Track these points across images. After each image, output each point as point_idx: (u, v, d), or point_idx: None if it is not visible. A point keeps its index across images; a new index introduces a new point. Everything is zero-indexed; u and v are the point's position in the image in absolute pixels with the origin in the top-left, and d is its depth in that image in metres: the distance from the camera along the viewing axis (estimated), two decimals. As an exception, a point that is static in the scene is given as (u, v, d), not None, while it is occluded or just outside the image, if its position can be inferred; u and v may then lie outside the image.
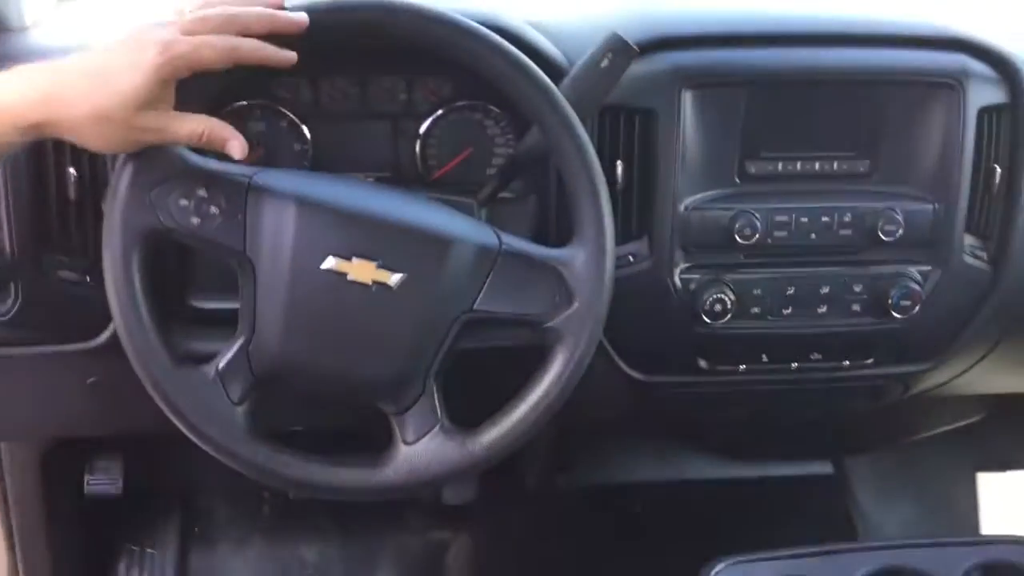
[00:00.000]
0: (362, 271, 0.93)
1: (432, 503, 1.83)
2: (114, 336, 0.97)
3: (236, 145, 0.91)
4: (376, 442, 1.00)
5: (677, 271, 1.17)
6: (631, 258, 1.15)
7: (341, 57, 1.06)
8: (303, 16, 0.91)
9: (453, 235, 0.95)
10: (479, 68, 0.96)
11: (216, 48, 0.87)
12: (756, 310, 1.19)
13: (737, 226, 1.15)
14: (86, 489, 1.56)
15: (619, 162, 1.14)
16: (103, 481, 1.55)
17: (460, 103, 1.16)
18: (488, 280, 0.95)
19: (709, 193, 1.17)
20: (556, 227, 1.14)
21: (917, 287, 1.19)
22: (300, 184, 0.95)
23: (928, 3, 1.35)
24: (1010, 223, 1.22)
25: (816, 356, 1.24)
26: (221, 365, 0.94)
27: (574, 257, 0.96)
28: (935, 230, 1.19)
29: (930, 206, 1.19)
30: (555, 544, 1.87)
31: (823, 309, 1.20)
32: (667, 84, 1.13)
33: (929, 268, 1.21)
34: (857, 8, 1.33)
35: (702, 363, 1.23)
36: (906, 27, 1.23)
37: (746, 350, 1.23)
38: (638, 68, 1.09)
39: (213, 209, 0.92)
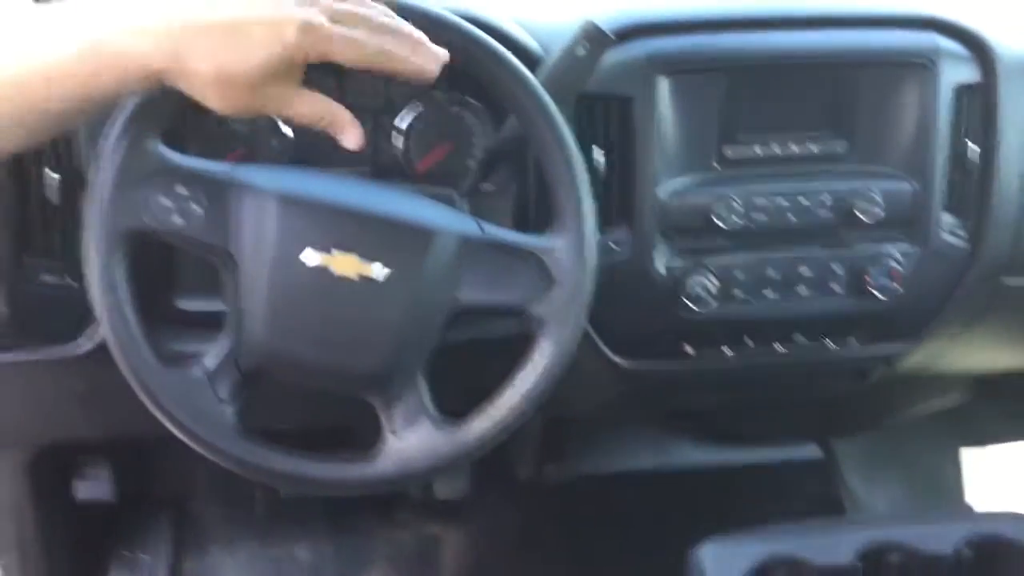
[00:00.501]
0: (345, 264, 0.93)
1: (424, 498, 1.83)
2: (99, 339, 0.97)
3: (353, 135, 0.88)
4: (366, 437, 1.01)
5: (659, 257, 1.17)
6: (612, 245, 1.16)
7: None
8: (444, 53, 0.87)
9: (435, 226, 0.95)
10: (455, 59, 0.96)
11: (364, 51, 0.83)
12: (739, 293, 1.19)
13: (717, 210, 1.15)
14: (76, 495, 1.55)
15: (597, 149, 1.14)
16: (93, 486, 1.55)
17: (439, 96, 1.16)
18: (471, 269, 0.96)
19: (688, 178, 1.17)
20: (537, 217, 1.15)
21: (897, 266, 1.20)
22: (281, 179, 0.95)
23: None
24: (987, 200, 1.23)
25: (799, 337, 1.25)
26: (208, 364, 0.94)
27: (556, 243, 0.97)
28: (913, 209, 1.20)
29: (907, 185, 1.20)
30: (548, 535, 1.87)
31: (805, 291, 1.21)
32: (643, 71, 1.13)
33: (908, 247, 1.22)
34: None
35: (687, 348, 1.24)
36: (878, 8, 1.24)
37: (730, 334, 1.23)
38: (614, 55, 1.10)
39: (194, 207, 0.92)
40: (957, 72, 1.20)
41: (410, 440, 0.97)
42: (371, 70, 0.86)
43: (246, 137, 1.13)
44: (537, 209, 1.15)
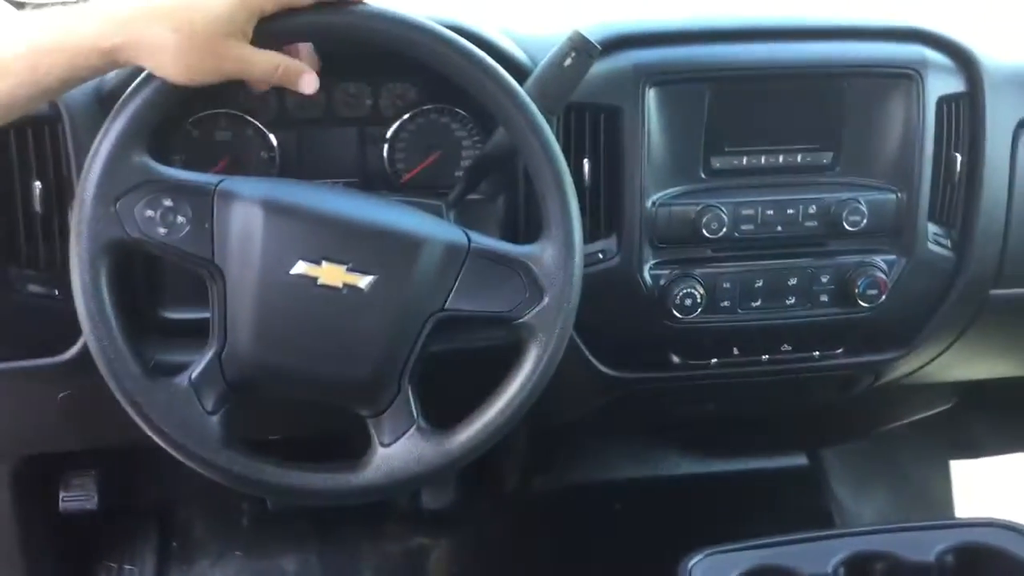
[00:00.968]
0: (332, 274, 0.93)
1: (411, 509, 1.83)
2: (84, 350, 0.96)
3: (308, 80, 0.93)
4: (354, 448, 1.00)
5: (646, 267, 1.18)
6: (600, 255, 1.16)
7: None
8: None
9: (422, 235, 0.95)
10: (443, 70, 0.96)
11: None
12: (726, 303, 1.20)
13: (704, 221, 1.16)
14: (61, 505, 1.54)
15: (585, 160, 1.15)
16: (78, 497, 1.54)
17: (426, 107, 1.17)
18: (459, 279, 0.96)
19: (675, 189, 1.18)
20: (525, 226, 1.15)
21: (883, 276, 1.20)
22: (266, 189, 0.95)
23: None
24: (972, 210, 1.24)
25: (786, 347, 1.25)
26: (194, 375, 0.94)
27: (543, 252, 0.97)
28: (899, 219, 1.21)
29: (893, 195, 1.20)
30: (535, 545, 1.87)
31: (791, 300, 1.21)
32: (631, 81, 1.14)
33: (894, 257, 1.22)
34: (817, 3, 1.35)
35: (674, 358, 1.24)
36: (864, 19, 1.24)
37: (717, 343, 1.24)
38: (602, 66, 1.10)
39: (180, 218, 0.92)
40: (943, 83, 1.20)
41: (396, 450, 0.96)
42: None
43: (232, 149, 1.13)
44: (526, 218, 1.15)
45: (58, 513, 1.55)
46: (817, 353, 1.26)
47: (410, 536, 1.85)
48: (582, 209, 0.99)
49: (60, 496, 1.55)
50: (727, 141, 1.19)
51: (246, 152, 1.14)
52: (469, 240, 0.96)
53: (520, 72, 1.05)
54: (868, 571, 1.09)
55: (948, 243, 1.25)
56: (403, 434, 0.97)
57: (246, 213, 0.92)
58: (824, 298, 1.22)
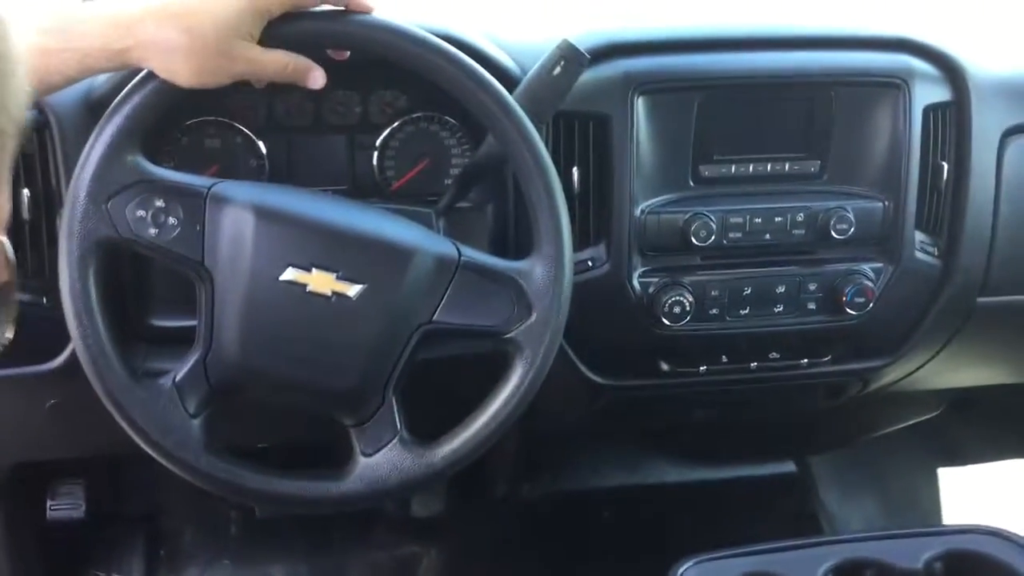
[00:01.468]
0: (321, 282, 0.93)
1: (401, 517, 1.82)
2: (72, 357, 0.96)
3: (317, 75, 0.95)
4: (340, 455, 1.00)
5: (635, 275, 1.18)
6: (590, 263, 1.17)
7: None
8: (371, 5, 0.94)
9: (413, 246, 0.95)
10: (433, 78, 0.96)
11: None
12: (714, 311, 1.20)
13: (692, 228, 1.16)
14: (48, 514, 1.54)
15: (575, 168, 1.15)
16: (65, 505, 1.53)
17: (415, 115, 1.17)
18: (447, 292, 0.96)
19: (664, 197, 1.18)
20: (515, 234, 1.15)
21: (870, 284, 1.21)
22: (259, 194, 0.95)
23: (874, 6, 1.38)
24: (959, 219, 1.24)
25: (775, 355, 1.25)
26: (178, 377, 0.94)
27: (532, 268, 0.97)
28: (886, 227, 1.21)
29: (880, 204, 1.21)
30: (524, 553, 1.87)
31: (779, 308, 1.21)
32: (620, 90, 1.14)
33: (881, 265, 1.23)
34: (805, 13, 1.36)
35: (663, 365, 1.25)
36: (851, 29, 1.25)
37: (706, 351, 1.24)
38: (591, 75, 1.10)
39: (171, 219, 0.92)
40: (929, 92, 1.21)
41: (378, 460, 0.96)
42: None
43: (221, 156, 1.13)
44: (515, 226, 1.15)
45: (45, 522, 1.54)
46: (805, 361, 1.27)
47: (400, 544, 1.84)
48: (571, 217, 0.99)
49: (48, 505, 1.54)
50: (716, 149, 1.19)
51: (235, 159, 1.14)
52: (459, 253, 0.97)
53: (509, 80, 1.05)
54: (857, 578, 1.09)
55: (935, 251, 1.25)
56: (386, 445, 0.97)
57: (238, 217, 0.92)
58: (812, 306, 1.22)
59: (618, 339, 1.22)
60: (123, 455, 0.98)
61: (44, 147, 1.06)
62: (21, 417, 1.23)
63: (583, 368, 1.23)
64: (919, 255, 1.24)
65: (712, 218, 1.17)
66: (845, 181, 1.22)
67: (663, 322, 1.18)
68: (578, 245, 1.13)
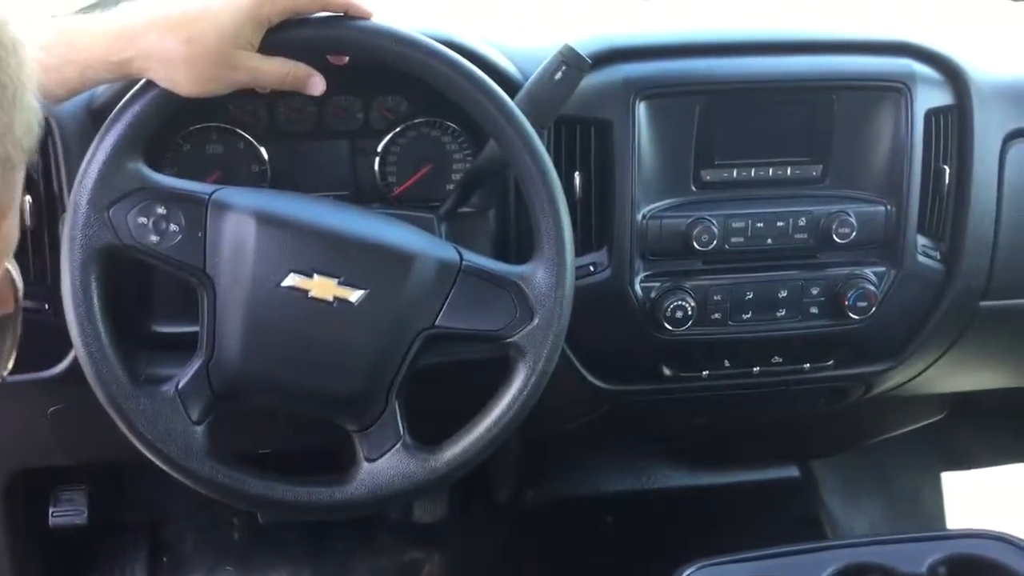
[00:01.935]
0: (323, 288, 0.93)
1: (403, 522, 1.82)
2: (74, 364, 0.96)
3: (316, 82, 0.95)
4: (341, 462, 1.00)
5: (637, 279, 1.18)
6: (592, 268, 1.16)
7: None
8: (371, 11, 0.95)
9: (414, 251, 0.95)
10: (434, 83, 0.97)
11: None
12: (716, 316, 1.20)
13: (695, 233, 1.16)
14: (50, 521, 1.53)
15: (577, 173, 1.15)
16: (68, 512, 1.53)
17: (417, 120, 1.17)
18: (449, 296, 0.96)
19: (666, 201, 1.18)
20: (517, 239, 1.15)
21: (872, 288, 1.21)
22: (260, 201, 0.95)
23: (876, 10, 1.38)
24: (961, 222, 1.24)
25: (777, 359, 1.25)
26: (180, 384, 0.94)
27: (534, 273, 0.97)
28: (888, 231, 1.21)
29: (882, 208, 1.21)
30: (527, 558, 1.86)
31: (782, 313, 1.21)
32: (621, 95, 1.14)
33: (884, 269, 1.23)
34: (806, 17, 1.36)
35: (665, 370, 1.24)
36: (853, 33, 1.25)
37: (708, 356, 1.24)
38: (592, 80, 1.11)
39: (172, 226, 0.92)
40: (931, 96, 1.21)
41: (381, 465, 0.96)
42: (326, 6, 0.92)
43: (223, 162, 1.13)
44: (517, 230, 1.15)
45: (48, 528, 1.54)
46: (807, 365, 1.26)
47: (402, 549, 1.84)
48: (573, 222, 0.99)
49: (50, 511, 1.54)
50: (717, 154, 1.19)
51: (237, 165, 1.14)
52: (461, 258, 0.97)
53: (511, 86, 1.05)
54: (860, 583, 1.09)
55: (937, 255, 1.25)
56: (388, 450, 0.97)
57: (239, 224, 0.92)
58: (814, 310, 1.22)
59: (620, 344, 1.21)
60: (125, 462, 0.97)
61: (46, 154, 1.06)
62: (23, 424, 1.23)
63: (585, 373, 1.23)
64: (921, 259, 1.24)
65: (714, 222, 1.17)
66: (847, 185, 1.22)
67: (665, 327, 1.18)
68: (580, 250, 1.13)
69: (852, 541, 1.15)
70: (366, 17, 0.95)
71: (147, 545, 1.78)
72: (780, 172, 1.21)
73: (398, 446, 0.96)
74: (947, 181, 1.22)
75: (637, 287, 1.18)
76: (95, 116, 1.05)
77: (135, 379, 0.93)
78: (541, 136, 0.99)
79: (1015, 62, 1.31)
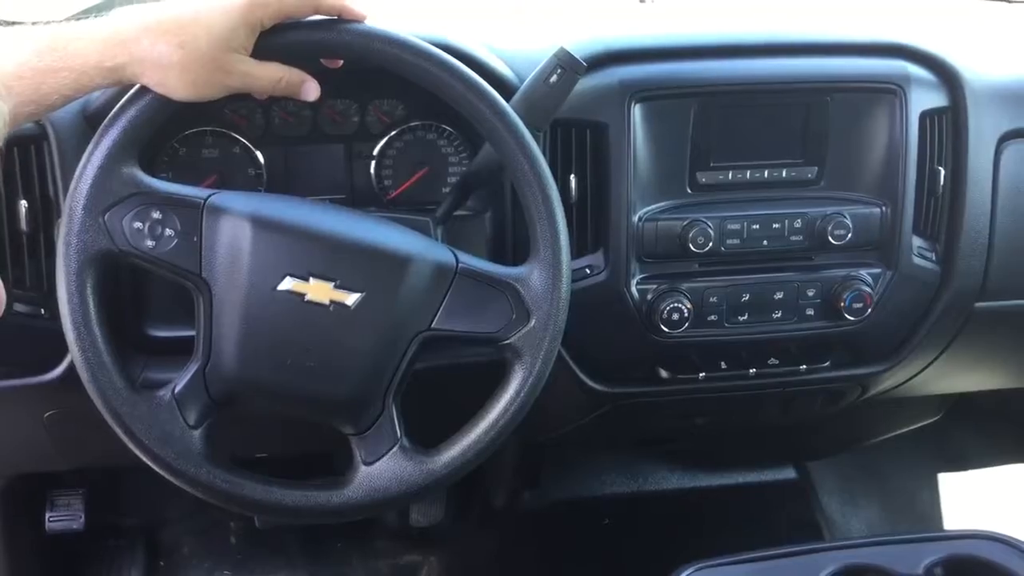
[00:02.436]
0: (320, 291, 0.93)
1: (400, 526, 1.82)
2: (71, 369, 0.96)
3: (310, 87, 0.95)
4: (338, 466, 1.00)
5: (634, 282, 1.18)
6: (588, 270, 1.17)
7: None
8: (364, 13, 0.95)
9: (410, 254, 0.95)
10: (429, 87, 0.97)
11: None
12: (713, 318, 1.20)
13: (690, 235, 1.16)
14: (47, 525, 1.53)
15: (572, 176, 1.15)
16: (64, 516, 1.53)
17: (413, 124, 1.17)
18: (446, 299, 0.96)
19: (661, 204, 1.18)
20: (513, 241, 1.15)
21: (868, 289, 1.21)
22: (256, 204, 0.95)
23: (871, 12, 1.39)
24: (956, 224, 1.24)
25: (773, 361, 1.25)
26: (177, 388, 0.94)
27: (530, 275, 0.97)
28: (883, 233, 1.22)
29: (877, 209, 1.21)
30: (524, 562, 1.87)
31: (778, 314, 1.21)
32: (616, 97, 1.14)
33: (879, 270, 1.23)
34: (801, 19, 1.36)
35: (662, 372, 1.25)
36: (847, 35, 1.25)
37: (705, 358, 1.24)
38: (587, 83, 1.11)
39: (167, 231, 0.92)
40: (925, 98, 1.21)
41: (379, 468, 0.96)
42: (319, 9, 0.92)
43: (219, 166, 1.13)
44: (513, 233, 1.15)
45: (45, 533, 1.54)
46: (804, 367, 1.27)
47: (399, 553, 1.84)
48: (569, 224, 1.00)
49: (47, 516, 1.54)
50: (712, 156, 1.19)
51: (233, 169, 1.14)
52: (457, 260, 0.97)
53: (506, 89, 1.06)
54: (857, 584, 1.09)
55: (933, 256, 1.26)
56: (386, 453, 0.96)
57: (234, 228, 0.92)
58: (810, 312, 1.22)
59: (617, 346, 1.22)
60: (122, 466, 0.97)
61: (41, 159, 1.06)
62: (19, 429, 1.23)
63: (582, 375, 1.23)
64: (917, 260, 1.24)
65: (710, 225, 1.17)
66: (842, 187, 1.22)
67: (662, 329, 1.18)
68: (576, 253, 1.13)
69: (849, 542, 1.15)
70: (360, 20, 0.95)
71: (144, 549, 1.78)
72: (775, 174, 1.21)
73: (395, 449, 0.96)
74: (942, 182, 1.23)
75: (633, 289, 1.18)
76: (90, 121, 1.05)
77: (132, 384, 0.93)
78: (537, 139, 0.99)
79: (1009, 63, 1.31)
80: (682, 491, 1.92)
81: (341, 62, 1.00)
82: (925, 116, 1.21)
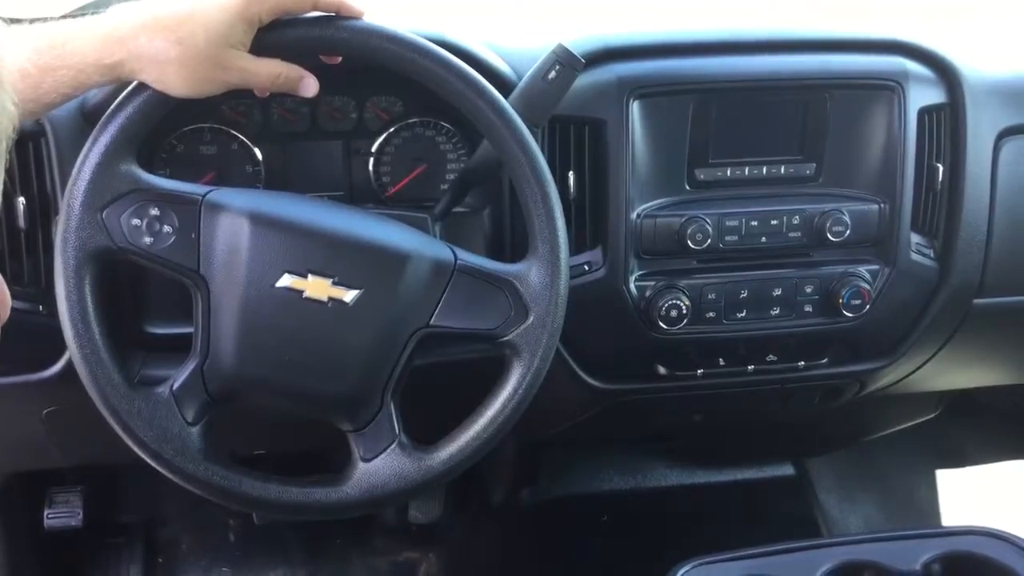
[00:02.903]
0: (318, 288, 0.93)
1: (399, 523, 1.82)
2: (69, 366, 0.96)
3: (309, 83, 0.95)
4: (337, 462, 1.00)
5: (632, 278, 1.18)
6: (586, 267, 1.17)
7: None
8: (362, 10, 0.94)
9: (409, 251, 0.95)
10: (427, 83, 0.97)
11: None
12: (711, 314, 1.20)
13: (689, 232, 1.16)
14: (46, 522, 1.53)
15: (571, 173, 1.15)
16: (63, 513, 1.53)
17: (411, 120, 1.17)
18: (444, 296, 0.96)
19: (660, 200, 1.18)
20: (512, 238, 1.15)
21: (867, 286, 1.21)
22: (254, 201, 0.95)
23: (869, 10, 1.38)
24: (954, 220, 1.24)
25: (772, 358, 1.25)
26: (175, 385, 0.94)
27: (528, 271, 0.97)
28: (881, 229, 1.22)
29: (876, 206, 1.21)
30: (523, 559, 1.87)
31: (776, 311, 1.22)
32: (615, 94, 1.14)
33: (878, 267, 1.23)
34: (800, 16, 1.36)
35: (660, 369, 1.25)
36: (846, 32, 1.25)
37: (703, 354, 1.24)
38: (586, 79, 1.11)
39: (166, 228, 0.92)
40: (924, 94, 1.21)
41: (377, 465, 0.96)
42: (317, 6, 0.92)
43: (217, 163, 1.13)
44: (512, 230, 1.15)
45: (43, 530, 1.54)
46: (802, 363, 1.27)
47: (398, 550, 1.84)
48: (567, 221, 1.00)
49: (45, 513, 1.54)
50: (711, 153, 1.19)
51: (231, 166, 1.14)
52: (455, 257, 0.97)
53: (505, 85, 1.06)
54: (855, 580, 1.09)
55: (931, 253, 1.26)
56: (384, 450, 0.96)
57: (233, 224, 0.92)
58: (808, 308, 1.22)
59: (615, 343, 1.22)
60: (120, 463, 0.97)
61: (39, 156, 1.06)
62: (17, 426, 1.23)
63: (580, 372, 1.23)
64: (915, 257, 1.24)
65: (708, 221, 1.17)
66: (841, 183, 1.22)
67: (660, 325, 1.18)
68: (574, 249, 1.13)
69: (847, 539, 1.16)
70: (358, 16, 0.95)
71: (142, 546, 1.78)
72: (774, 171, 1.21)
73: (393, 446, 0.96)
74: (940, 179, 1.23)
75: (632, 286, 1.18)
76: (88, 118, 1.05)
77: (130, 381, 0.93)
78: (535, 135, 0.99)
79: (1007, 59, 1.31)
80: (680, 488, 1.92)
81: (340, 58, 1.00)
82: (923, 113, 1.21)
